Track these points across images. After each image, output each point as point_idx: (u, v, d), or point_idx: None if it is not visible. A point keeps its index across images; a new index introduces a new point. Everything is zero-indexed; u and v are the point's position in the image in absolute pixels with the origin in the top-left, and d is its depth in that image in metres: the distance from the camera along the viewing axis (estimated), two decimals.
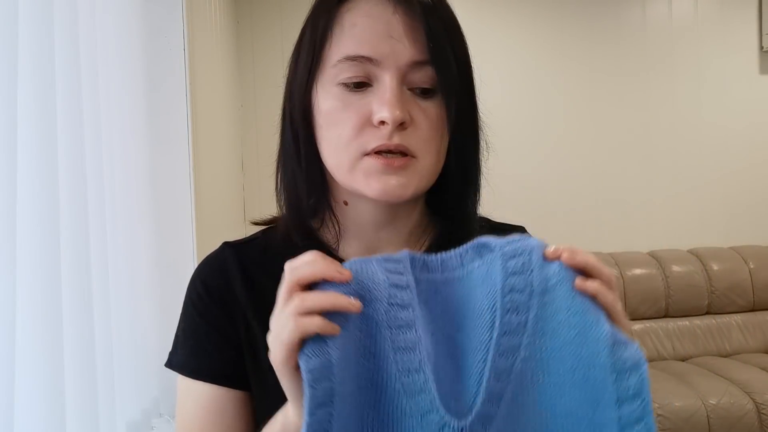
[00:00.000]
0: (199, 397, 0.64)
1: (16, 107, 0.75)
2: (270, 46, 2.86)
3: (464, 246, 0.52)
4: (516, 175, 3.02)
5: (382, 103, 0.57)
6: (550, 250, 0.50)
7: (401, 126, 0.58)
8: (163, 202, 1.50)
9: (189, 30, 1.58)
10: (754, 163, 3.29)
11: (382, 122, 0.57)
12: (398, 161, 0.58)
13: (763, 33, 3.23)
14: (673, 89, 3.23)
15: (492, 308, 0.50)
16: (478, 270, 0.51)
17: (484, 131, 0.67)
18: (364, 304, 0.48)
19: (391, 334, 0.48)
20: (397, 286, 0.49)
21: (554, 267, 0.50)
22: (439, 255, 0.52)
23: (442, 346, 0.51)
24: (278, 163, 0.67)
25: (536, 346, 0.49)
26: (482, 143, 0.66)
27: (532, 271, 0.49)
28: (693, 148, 3.25)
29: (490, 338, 0.49)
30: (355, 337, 0.48)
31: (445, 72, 0.58)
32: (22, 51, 0.77)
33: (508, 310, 0.48)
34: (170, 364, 0.66)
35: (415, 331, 0.48)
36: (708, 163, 3.26)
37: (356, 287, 0.48)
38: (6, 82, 0.74)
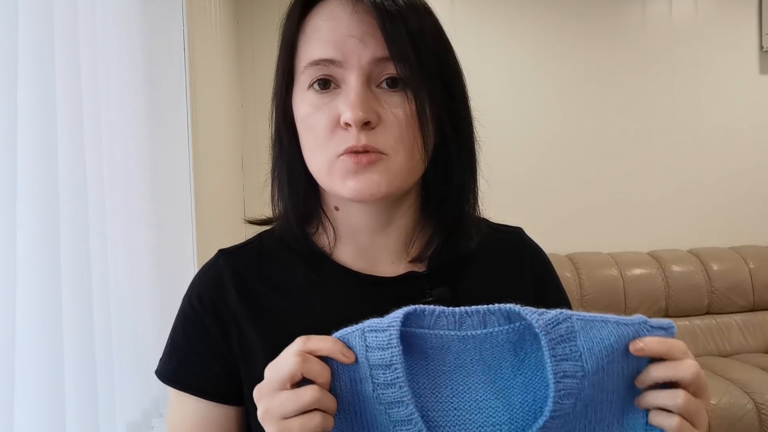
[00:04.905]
0: (187, 409, 0.64)
1: (16, 107, 0.75)
2: (270, 46, 2.84)
3: (490, 307, 0.51)
4: (515, 174, 3.02)
5: (346, 104, 0.57)
6: (638, 345, 0.49)
7: (367, 126, 0.57)
8: (163, 203, 1.50)
9: (189, 30, 1.58)
10: (754, 163, 3.28)
11: (348, 124, 0.57)
12: (366, 157, 0.57)
13: (763, 33, 3.23)
14: (672, 89, 3.23)
15: (530, 376, 0.51)
16: (506, 335, 0.51)
17: (475, 132, 0.66)
18: (353, 383, 0.50)
19: (385, 408, 0.50)
20: (379, 365, 0.49)
21: (607, 346, 0.49)
22: (457, 311, 0.51)
23: (458, 399, 0.51)
24: (272, 172, 0.67)
25: (578, 418, 0.50)
26: (475, 145, 0.66)
27: (581, 355, 0.49)
28: (693, 147, 3.25)
29: (525, 405, 0.51)
30: (354, 416, 0.51)
31: (405, 66, 0.57)
32: (22, 51, 0.77)
33: (562, 396, 0.49)
34: (158, 373, 0.66)
35: (406, 405, 0.49)
36: (708, 163, 3.26)
37: (345, 368, 0.50)
38: (6, 82, 0.74)
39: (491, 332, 0.51)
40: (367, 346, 0.50)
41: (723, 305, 2.97)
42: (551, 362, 0.49)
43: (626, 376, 0.51)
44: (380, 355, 0.49)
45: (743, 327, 2.97)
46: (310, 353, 0.49)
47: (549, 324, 0.49)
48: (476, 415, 0.51)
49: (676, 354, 0.49)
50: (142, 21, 1.45)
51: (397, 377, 0.49)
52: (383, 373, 0.49)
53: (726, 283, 2.96)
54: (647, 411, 0.51)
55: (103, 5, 1.16)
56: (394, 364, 0.49)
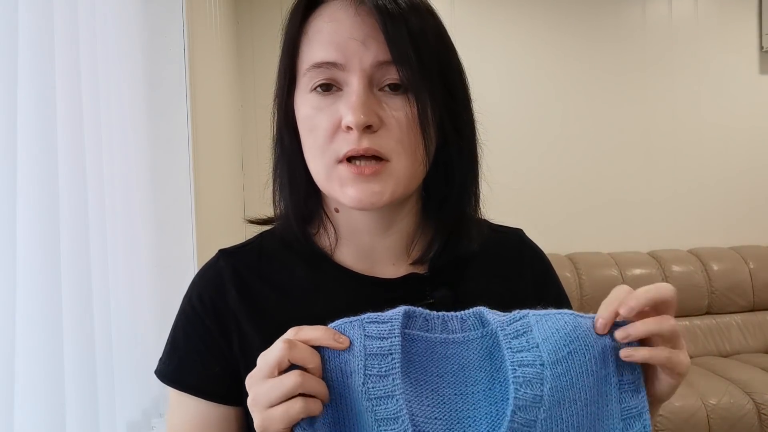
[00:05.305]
0: (186, 409, 0.64)
1: (16, 107, 0.75)
2: (270, 46, 2.85)
3: (466, 312, 0.54)
4: (515, 174, 3.02)
5: (348, 107, 0.57)
6: (599, 325, 0.51)
7: (369, 129, 0.57)
8: (163, 203, 1.50)
9: (189, 30, 1.58)
10: (754, 163, 3.29)
11: (349, 127, 0.57)
12: (369, 168, 0.57)
13: (763, 33, 3.23)
14: (673, 89, 3.23)
15: (505, 385, 0.51)
16: (481, 341, 0.53)
17: (477, 134, 0.66)
18: (344, 375, 0.50)
19: (372, 405, 0.49)
20: (375, 355, 0.50)
21: (563, 336, 0.50)
22: (441, 314, 0.54)
23: (438, 409, 0.52)
24: (273, 172, 0.67)
25: (553, 419, 0.50)
26: (477, 146, 0.66)
27: (537, 345, 0.50)
28: (693, 147, 3.25)
29: (502, 413, 0.50)
30: (342, 410, 0.50)
31: (407, 70, 0.57)
32: (22, 51, 0.77)
33: (521, 384, 0.49)
34: (158, 373, 0.66)
35: (396, 400, 0.49)
36: (708, 163, 3.26)
37: (336, 360, 0.50)
38: (6, 82, 0.74)
39: (468, 336, 0.53)
40: (365, 335, 0.50)
41: (723, 305, 2.97)
42: (508, 354, 0.50)
43: (596, 376, 0.50)
44: (379, 345, 0.50)
45: (743, 327, 2.97)
46: (302, 342, 0.50)
47: (506, 322, 0.52)
48: (456, 425, 0.51)
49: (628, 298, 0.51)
50: (142, 21, 1.45)
51: (393, 367, 0.49)
52: (378, 364, 0.49)
53: (726, 283, 2.96)
54: (625, 419, 0.51)
55: (103, 5, 1.16)
56: (392, 354, 0.50)
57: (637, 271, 2.93)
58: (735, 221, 3.27)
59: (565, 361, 0.50)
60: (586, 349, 0.50)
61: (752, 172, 3.28)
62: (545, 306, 0.70)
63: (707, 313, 2.99)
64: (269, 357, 0.49)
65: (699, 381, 2.47)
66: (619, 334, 0.50)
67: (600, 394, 0.51)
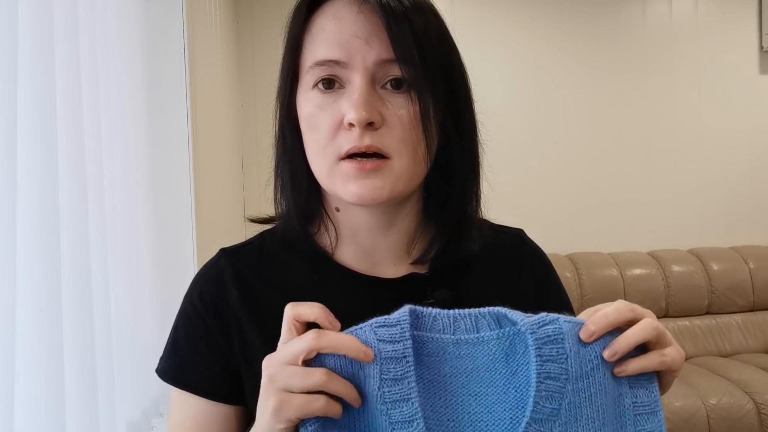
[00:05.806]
0: (187, 408, 0.64)
1: (16, 107, 0.75)
2: (270, 46, 2.86)
3: (480, 310, 0.52)
4: (516, 174, 3.02)
5: (350, 104, 0.57)
6: (587, 332, 0.49)
7: (371, 126, 0.57)
8: (163, 202, 1.50)
9: (189, 30, 1.58)
10: (754, 163, 3.29)
11: (351, 124, 0.57)
12: (370, 164, 0.57)
13: (763, 33, 3.23)
14: (673, 89, 3.23)
15: (521, 390, 0.50)
16: (497, 342, 0.51)
17: (479, 134, 0.66)
18: (357, 379, 0.49)
19: (387, 408, 0.49)
20: (390, 358, 0.49)
21: (590, 350, 0.49)
22: (451, 313, 0.52)
23: (451, 410, 0.51)
24: (275, 171, 0.67)
25: None
26: (478, 146, 0.66)
27: (567, 357, 0.49)
28: (693, 147, 3.25)
29: (516, 421, 0.50)
30: (354, 412, 0.50)
31: (410, 68, 0.57)
32: (22, 51, 0.77)
33: (543, 397, 0.48)
34: (159, 372, 0.66)
35: (412, 403, 0.48)
36: (708, 163, 3.26)
37: (350, 368, 0.49)
38: (6, 82, 0.74)
39: (482, 337, 0.51)
40: (378, 339, 0.49)
41: (723, 305, 2.97)
42: (536, 362, 0.49)
43: (612, 396, 0.50)
44: (392, 348, 0.49)
45: (743, 327, 2.97)
46: (297, 318, 0.50)
47: (536, 324, 0.50)
48: (468, 428, 0.51)
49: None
50: (142, 21, 1.45)
51: (408, 371, 0.49)
52: (394, 367, 0.49)
53: (726, 283, 2.96)
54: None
55: (103, 5, 1.16)
56: (406, 357, 0.49)
57: (637, 271, 2.94)
58: (735, 221, 3.27)
59: (588, 376, 0.49)
60: (606, 367, 0.49)
61: (752, 172, 3.28)
62: (545, 306, 0.70)
63: (707, 313, 2.99)
64: (295, 346, 0.48)
65: (699, 381, 2.47)
66: (606, 353, 0.49)
67: (616, 415, 0.50)
